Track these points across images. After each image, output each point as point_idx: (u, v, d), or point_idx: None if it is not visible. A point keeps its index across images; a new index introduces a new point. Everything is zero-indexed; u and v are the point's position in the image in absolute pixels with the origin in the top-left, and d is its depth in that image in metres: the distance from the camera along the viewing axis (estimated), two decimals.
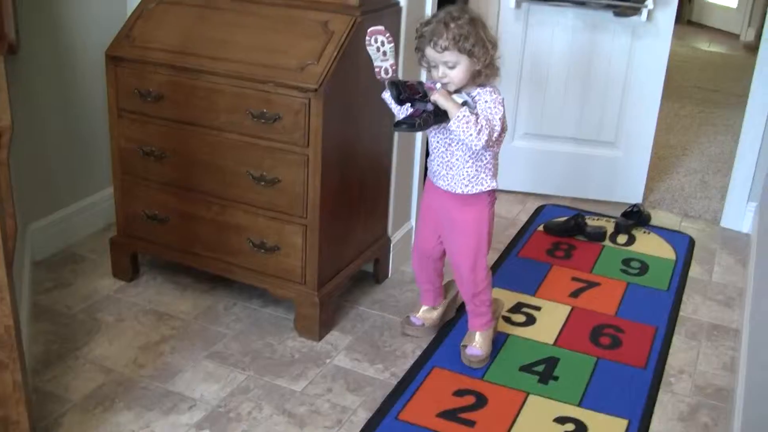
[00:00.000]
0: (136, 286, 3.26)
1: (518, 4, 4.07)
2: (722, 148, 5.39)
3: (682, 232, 4.13)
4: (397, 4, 3.12)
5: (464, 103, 2.58)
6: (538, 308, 3.30)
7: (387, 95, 2.71)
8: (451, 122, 2.54)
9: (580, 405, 2.75)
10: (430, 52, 2.58)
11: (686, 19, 10.33)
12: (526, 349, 3.03)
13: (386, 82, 2.61)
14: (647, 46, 4.12)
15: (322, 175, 2.79)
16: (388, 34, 2.58)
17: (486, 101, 2.60)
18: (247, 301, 3.19)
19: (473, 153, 2.67)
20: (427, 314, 3.07)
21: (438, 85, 2.60)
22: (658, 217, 4.28)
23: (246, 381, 2.75)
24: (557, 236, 3.94)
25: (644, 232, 4.08)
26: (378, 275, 3.39)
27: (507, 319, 3.20)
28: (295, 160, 2.79)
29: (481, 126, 2.53)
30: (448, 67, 2.56)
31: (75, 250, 3.52)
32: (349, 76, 2.83)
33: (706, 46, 9.09)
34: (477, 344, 2.90)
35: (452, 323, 3.14)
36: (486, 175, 2.73)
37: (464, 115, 2.52)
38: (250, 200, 2.92)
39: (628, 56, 4.14)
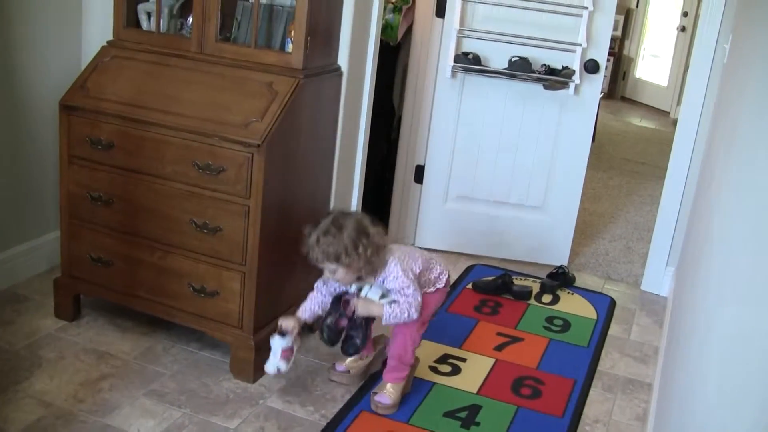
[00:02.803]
0: (78, 327, 3.37)
1: (454, 75, 4.32)
2: (646, 217, 5.67)
3: (604, 294, 4.35)
4: (339, 68, 3.32)
5: (383, 296, 2.91)
6: (463, 359, 3.47)
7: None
8: (384, 322, 2.90)
9: None
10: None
11: (620, 95, 10.79)
12: (450, 397, 3.19)
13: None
14: (574, 118, 4.38)
15: (261, 225, 2.96)
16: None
17: (392, 281, 2.89)
18: (186, 344, 3.32)
19: None
20: (353, 363, 3.22)
21: (352, 288, 2.95)
22: (583, 279, 4.51)
23: (182, 418, 2.86)
24: (485, 294, 4.13)
25: (568, 293, 4.29)
26: (312, 324, 3.52)
27: (433, 369, 3.36)
28: (237, 210, 2.96)
29: (403, 308, 2.87)
30: (331, 272, 2.87)
31: (18, 290, 3.61)
32: (290, 133, 3.02)
33: (638, 121, 9.50)
34: (387, 393, 3.06)
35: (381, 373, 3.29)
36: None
37: (389, 313, 2.87)
38: (192, 247, 3.07)
39: (557, 126, 4.39)
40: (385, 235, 2.92)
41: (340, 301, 2.92)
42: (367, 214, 2.93)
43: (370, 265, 2.84)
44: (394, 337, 3.05)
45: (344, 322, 2.89)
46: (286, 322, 2.97)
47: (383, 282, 2.90)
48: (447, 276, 3.13)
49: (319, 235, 2.80)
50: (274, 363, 2.94)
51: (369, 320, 2.94)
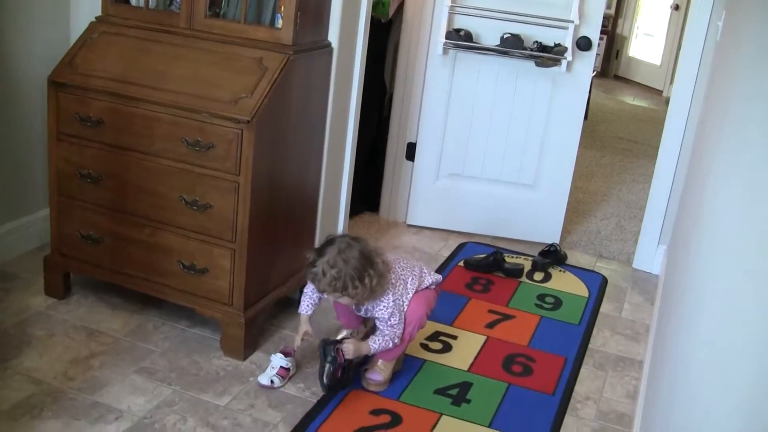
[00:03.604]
0: (68, 304, 3.36)
1: (445, 51, 4.30)
2: (638, 196, 5.67)
3: (595, 272, 4.35)
4: (329, 45, 3.30)
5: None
6: (454, 337, 3.48)
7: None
8: (370, 353, 2.99)
9: (490, 426, 2.92)
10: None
11: (613, 73, 10.77)
12: (441, 374, 3.20)
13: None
14: (566, 95, 4.37)
15: (251, 202, 2.94)
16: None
17: (382, 310, 2.94)
18: (176, 322, 3.31)
19: None
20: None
21: (343, 333, 3.12)
22: (574, 257, 4.51)
23: (172, 395, 2.86)
24: (476, 271, 4.13)
25: (560, 271, 4.29)
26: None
27: (424, 346, 3.36)
28: (227, 186, 2.94)
29: (387, 339, 2.94)
30: (335, 298, 2.90)
31: (7, 268, 3.59)
32: (280, 109, 3.00)
33: (631, 100, 9.49)
34: (379, 369, 3.06)
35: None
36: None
37: (375, 348, 2.94)
38: (182, 224, 3.06)
39: (548, 104, 4.38)
40: (387, 261, 2.94)
41: (333, 348, 2.91)
42: (368, 242, 2.96)
43: (374, 293, 2.87)
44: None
45: (340, 370, 2.93)
46: (297, 340, 3.07)
47: (373, 309, 2.94)
48: (440, 283, 3.17)
49: (324, 267, 2.80)
50: (269, 375, 2.99)
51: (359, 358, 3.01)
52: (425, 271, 3.11)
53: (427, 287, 3.08)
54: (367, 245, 2.89)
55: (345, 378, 2.97)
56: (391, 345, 2.94)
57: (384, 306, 2.92)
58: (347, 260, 2.79)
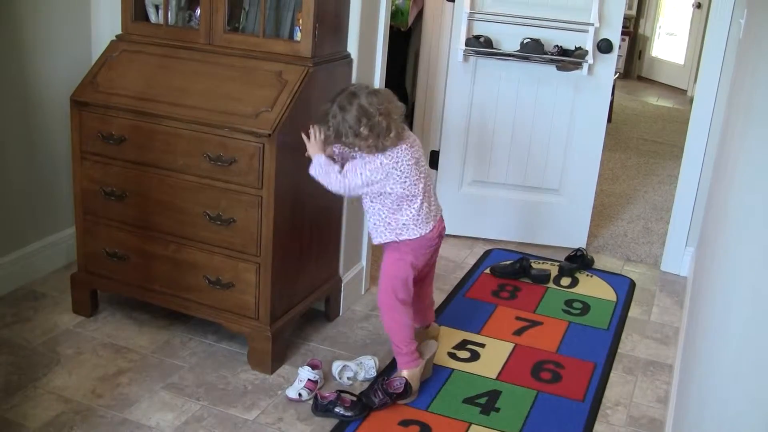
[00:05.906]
0: (95, 322, 3.38)
1: (466, 58, 4.28)
2: (665, 197, 5.62)
3: (623, 275, 4.32)
4: (348, 56, 3.30)
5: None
6: (482, 345, 3.46)
7: None
8: (310, 170, 2.93)
9: None
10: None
11: (636, 74, 10.70)
12: (469, 383, 3.18)
13: None
14: (588, 99, 4.34)
15: (275, 215, 2.94)
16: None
17: (359, 158, 2.88)
18: (203, 337, 3.32)
19: (373, 210, 2.93)
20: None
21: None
22: (601, 261, 4.47)
23: (200, 410, 2.86)
24: (503, 278, 4.11)
25: (587, 275, 4.26)
26: (329, 313, 3.53)
27: (452, 355, 3.35)
28: (250, 201, 2.95)
29: (330, 175, 2.87)
30: (345, 145, 2.90)
31: (35, 287, 3.62)
32: (301, 122, 3.00)
33: (655, 100, 9.42)
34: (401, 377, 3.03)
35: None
36: (385, 230, 2.95)
37: (319, 163, 2.89)
38: (206, 239, 3.06)
39: (571, 108, 4.35)
40: (398, 116, 2.85)
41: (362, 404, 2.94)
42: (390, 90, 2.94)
43: (374, 146, 2.81)
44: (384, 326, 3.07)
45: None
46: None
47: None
48: (425, 231, 2.95)
49: (327, 116, 2.83)
50: (297, 388, 2.99)
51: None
52: (427, 198, 2.96)
53: (403, 227, 2.93)
54: (373, 98, 2.81)
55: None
56: (328, 179, 2.88)
57: (363, 158, 2.86)
58: (344, 109, 2.79)
